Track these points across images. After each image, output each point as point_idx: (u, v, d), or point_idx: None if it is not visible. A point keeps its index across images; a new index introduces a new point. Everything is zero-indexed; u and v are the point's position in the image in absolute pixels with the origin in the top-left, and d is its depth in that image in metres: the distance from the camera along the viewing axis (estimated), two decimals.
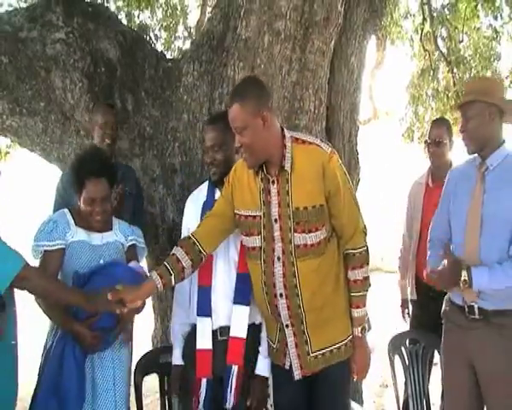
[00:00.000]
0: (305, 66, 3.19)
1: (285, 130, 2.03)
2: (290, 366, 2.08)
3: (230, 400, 2.14)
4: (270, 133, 1.95)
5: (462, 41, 6.60)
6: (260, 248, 2.03)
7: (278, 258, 2.00)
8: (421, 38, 6.79)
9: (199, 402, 2.18)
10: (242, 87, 1.99)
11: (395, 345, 2.86)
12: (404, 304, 3.41)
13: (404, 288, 3.39)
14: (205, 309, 2.19)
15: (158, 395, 2.60)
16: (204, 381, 2.18)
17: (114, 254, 2.32)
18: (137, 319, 2.98)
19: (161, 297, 3.44)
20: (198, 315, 2.20)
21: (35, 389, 2.22)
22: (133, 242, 2.44)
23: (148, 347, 3.39)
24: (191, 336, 2.27)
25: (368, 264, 2.10)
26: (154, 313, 3.58)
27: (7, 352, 2.04)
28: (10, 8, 4.09)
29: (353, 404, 2.84)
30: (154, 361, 2.58)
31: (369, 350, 2.15)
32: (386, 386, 4.61)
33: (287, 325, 2.05)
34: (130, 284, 2.28)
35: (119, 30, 3.55)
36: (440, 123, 3.29)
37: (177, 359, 2.33)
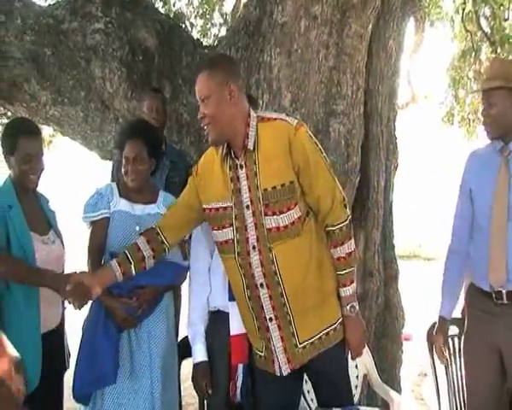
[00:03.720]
0: (343, 50, 3.13)
1: (252, 111, 1.92)
2: (279, 367, 1.94)
3: (237, 394, 2.14)
4: (236, 109, 1.85)
5: (507, 19, 6.34)
6: (233, 240, 1.90)
7: (253, 247, 1.87)
8: (462, 19, 6.59)
9: (236, 388, 2.14)
10: (214, 59, 1.97)
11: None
12: None
13: None
14: None
15: None
16: (240, 367, 2.13)
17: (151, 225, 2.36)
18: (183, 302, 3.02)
19: None
20: (230, 300, 2.11)
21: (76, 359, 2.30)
22: None
23: None
24: (211, 326, 2.22)
25: (351, 238, 1.95)
26: None
27: None
28: (53, 2, 4.19)
29: (392, 392, 2.82)
30: None
31: (362, 327, 2.02)
32: (425, 375, 4.55)
33: (270, 319, 1.90)
34: (171, 279, 2.33)
35: (157, 18, 3.58)
36: None
37: (201, 355, 2.19)
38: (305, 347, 1.92)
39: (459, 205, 2.35)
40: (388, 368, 3.36)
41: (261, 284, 1.88)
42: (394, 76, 3.65)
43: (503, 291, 2.10)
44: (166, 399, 2.30)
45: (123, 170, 2.34)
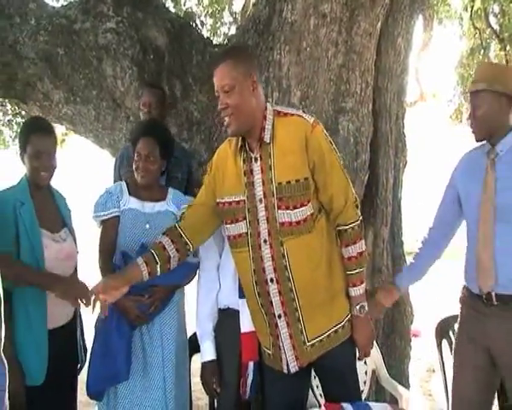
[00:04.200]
0: (352, 48, 3.11)
1: (268, 104, 1.91)
2: (287, 364, 1.93)
3: (247, 391, 2.12)
4: (256, 101, 1.84)
5: None
6: (246, 233, 1.88)
7: (265, 241, 1.85)
8: (471, 16, 6.53)
9: (246, 386, 2.13)
10: (235, 49, 1.93)
11: (443, 329, 2.79)
12: None
13: None
14: None
15: None
16: (251, 364, 2.12)
17: (164, 223, 2.31)
18: (189, 299, 3.03)
19: None
20: (240, 298, 2.10)
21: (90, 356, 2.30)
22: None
23: None
24: (221, 324, 2.20)
25: (362, 238, 1.95)
26: None
27: None
28: (66, 3, 4.21)
29: (400, 388, 2.81)
30: None
31: (370, 327, 2.01)
32: (434, 371, 4.53)
33: (279, 315, 1.88)
34: (182, 277, 2.30)
35: (167, 18, 3.57)
36: None
37: (209, 354, 2.17)
38: (313, 345, 1.90)
39: (442, 199, 2.35)
40: (397, 364, 3.34)
41: (271, 280, 1.87)
42: (403, 74, 3.62)
43: (493, 293, 2.08)
44: (178, 394, 2.31)
45: (134, 166, 2.35)
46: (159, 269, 1.93)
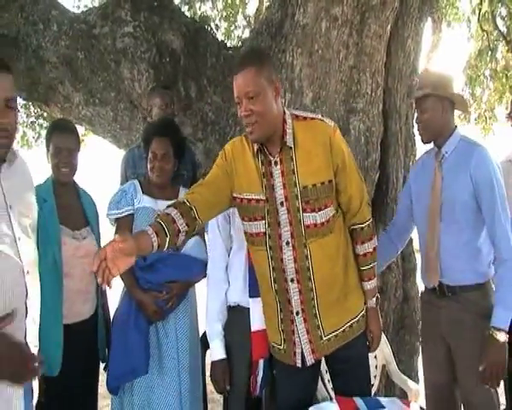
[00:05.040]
0: (362, 50, 3.08)
1: (285, 108, 1.87)
2: (302, 358, 1.89)
3: (257, 389, 2.10)
4: (277, 107, 1.78)
5: None
6: (265, 234, 1.82)
7: (287, 243, 1.80)
8: (479, 19, 6.47)
9: (256, 383, 2.10)
10: (257, 54, 1.83)
11: None
12: None
13: None
14: (257, 290, 2.00)
15: None
16: (261, 362, 2.09)
17: None
18: (201, 295, 3.04)
19: None
20: (251, 296, 2.06)
21: (108, 349, 2.31)
22: None
23: None
24: (230, 322, 2.15)
25: (375, 234, 1.98)
26: None
27: None
28: (86, 8, 4.24)
29: (409, 382, 2.79)
30: None
31: (380, 318, 2.05)
32: None
33: (297, 312, 1.85)
34: (198, 274, 2.31)
35: (183, 22, 3.59)
36: None
37: (219, 353, 2.10)
38: (329, 339, 1.89)
39: (401, 199, 2.47)
40: (406, 359, 3.32)
41: (291, 279, 1.83)
42: (412, 75, 3.59)
43: (444, 285, 2.16)
44: (193, 388, 2.32)
45: (149, 165, 2.35)
46: (167, 242, 1.70)
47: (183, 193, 2.42)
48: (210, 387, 2.69)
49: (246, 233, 1.90)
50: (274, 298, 1.89)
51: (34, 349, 1.53)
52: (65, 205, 2.24)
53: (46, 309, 2.08)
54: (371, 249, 1.95)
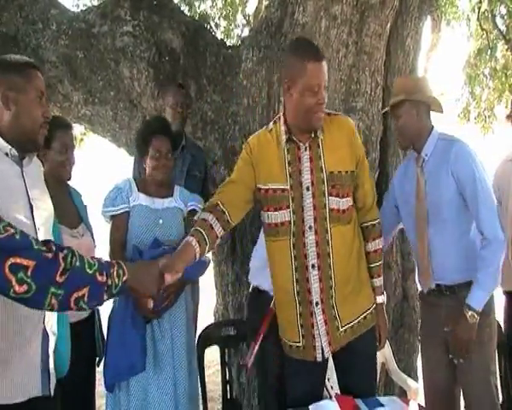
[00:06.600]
0: (362, 49, 3.08)
1: None
2: (322, 351, 1.92)
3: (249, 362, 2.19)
4: None
5: None
6: (290, 222, 1.87)
7: (310, 227, 1.86)
8: (478, 17, 6.46)
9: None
10: (317, 48, 1.91)
11: None
12: None
13: None
14: None
15: (219, 366, 2.64)
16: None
17: (173, 219, 2.34)
18: (201, 295, 3.04)
19: (222, 274, 3.48)
20: None
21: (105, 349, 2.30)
22: (193, 207, 2.43)
23: (211, 321, 3.46)
24: (255, 302, 2.21)
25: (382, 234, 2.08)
26: (215, 289, 3.63)
27: None
28: (85, 8, 4.23)
29: (409, 380, 2.79)
30: (216, 334, 2.62)
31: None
32: None
33: (316, 303, 1.88)
34: (196, 273, 2.31)
35: (182, 21, 3.58)
36: None
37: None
38: (345, 330, 1.93)
39: (384, 204, 2.42)
40: (405, 357, 3.32)
41: (313, 266, 1.88)
42: (412, 73, 3.58)
43: (442, 285, 2.16)
44: (189, 387, 2.31)
45: (152, 164, 2.33)
46: (207, 250, 1.80)
47: (178, 191, 2.43)
48: (210, 386, 2.70)
49: (270, 225, 1.92)
50: (293, 291, 1.91)
51: (52, 337, 1.56)
52: (60, 204, 2.23)
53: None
54: (380, 246, 2.04)
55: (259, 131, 2.03)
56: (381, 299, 2.05)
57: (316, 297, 1.89)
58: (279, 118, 1.95)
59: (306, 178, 1.87)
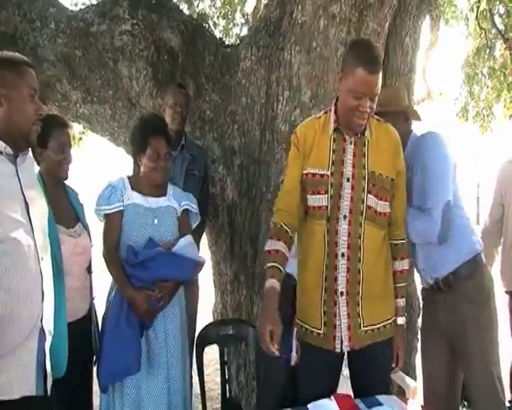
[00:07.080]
0: None
1: None
2: (341, 342, 1.91)
3: (293, 357, 2.13)
4: None
5: None
6: (326, 207, 1.89)
7: (344, 216, 1.87)
8: (477, 17, 6.46)
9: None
10: (378, 57, 1.90)
11: None
12: None
13: None
14: None
15: (218, 365, 2.62)
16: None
17: (167, 218, 2.33)
18: (202, 295, 3.03)
19: (221, 273, 3.48)
20: None
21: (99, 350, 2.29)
22: (186, 207, 2.42)
23: (209, 320, 3.45)
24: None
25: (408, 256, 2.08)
26: (214, 287, 3.63)
27: None
28: (83, 6, 4.22)
29: (408, 379, 2.78)
30: (214, 333, 2.60)
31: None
32: None
33: (342, 293, 1.88)
34: (189, 273, 2.30)
35: (181, 19, 3.57)
36: None
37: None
38: (366, 331, 1.92)
39: None
40: (405, 356, 3.32)
41: (342, 254, 1.88)
42: (410, 73, 3.58)
43: (439, 279, 2.19)
44: (182, 388, 2.31)
45: (151, 165, 2.31)
46: (281, 278, 1.84)
47: (171, 190, 2.42)
48: (209, 385, 2.70)
49: (309, 208, 1.93)
50: (321, 275, 1.91)
51: (49, 337, 1.56)
52: (57, 204, 2.21)
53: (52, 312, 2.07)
54: (407, 267, 2.03)
55: (308, 119, 2.04)
56: (402, 320, 2.02)
57: (341, 287, 1.89)
58: (330, 109, 1.97)
59: (348, 169, 1.88)
